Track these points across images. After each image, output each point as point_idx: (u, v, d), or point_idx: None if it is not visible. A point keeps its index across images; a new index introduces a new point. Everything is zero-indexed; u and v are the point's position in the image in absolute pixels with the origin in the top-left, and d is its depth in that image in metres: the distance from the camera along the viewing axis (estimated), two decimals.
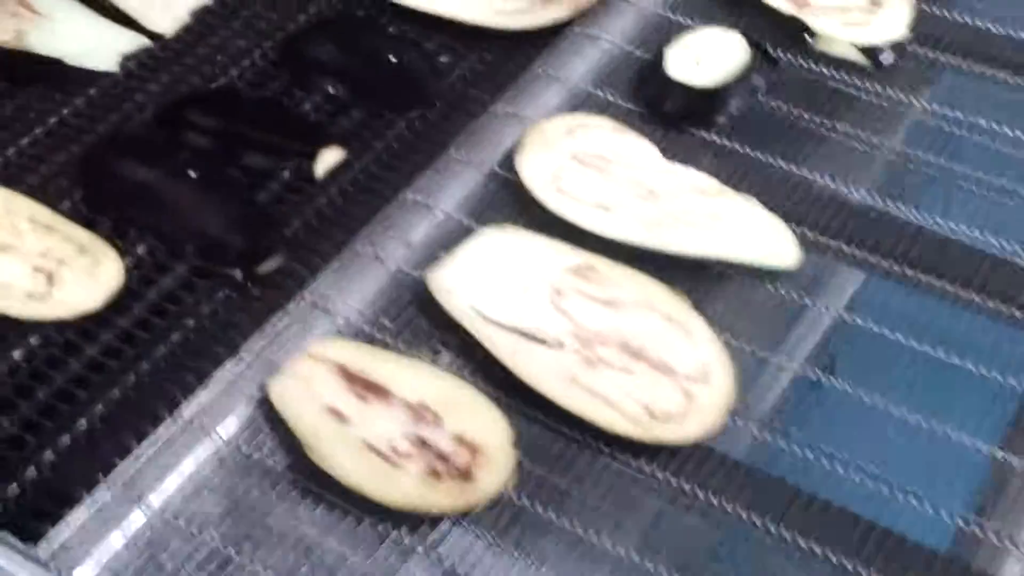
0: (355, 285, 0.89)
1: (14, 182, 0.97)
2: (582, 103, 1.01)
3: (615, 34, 1.07)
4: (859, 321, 0.85)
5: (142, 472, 0.79)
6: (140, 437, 0.81)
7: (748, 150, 0.96)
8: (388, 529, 0.74)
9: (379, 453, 0.76)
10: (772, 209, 0.91)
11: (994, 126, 0.98)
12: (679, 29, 1.05)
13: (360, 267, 0.90)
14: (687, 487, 0.77)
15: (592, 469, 0.78)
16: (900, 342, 0.84)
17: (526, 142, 0.94)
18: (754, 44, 1.01)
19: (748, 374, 0.82)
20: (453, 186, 0.95)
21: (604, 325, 0.83)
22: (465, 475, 0.75)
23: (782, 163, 0.95)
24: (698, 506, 0.76)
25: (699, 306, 0.85)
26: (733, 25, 1.04)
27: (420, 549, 0.74)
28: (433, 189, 0.95)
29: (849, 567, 0.73)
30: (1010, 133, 0.98)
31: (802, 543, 0.74)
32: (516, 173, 0.93)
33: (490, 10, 1.10)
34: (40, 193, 0.97)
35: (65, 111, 1.04)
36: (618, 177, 0.92)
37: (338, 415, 0.78)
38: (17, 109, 1.03)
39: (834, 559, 0.73)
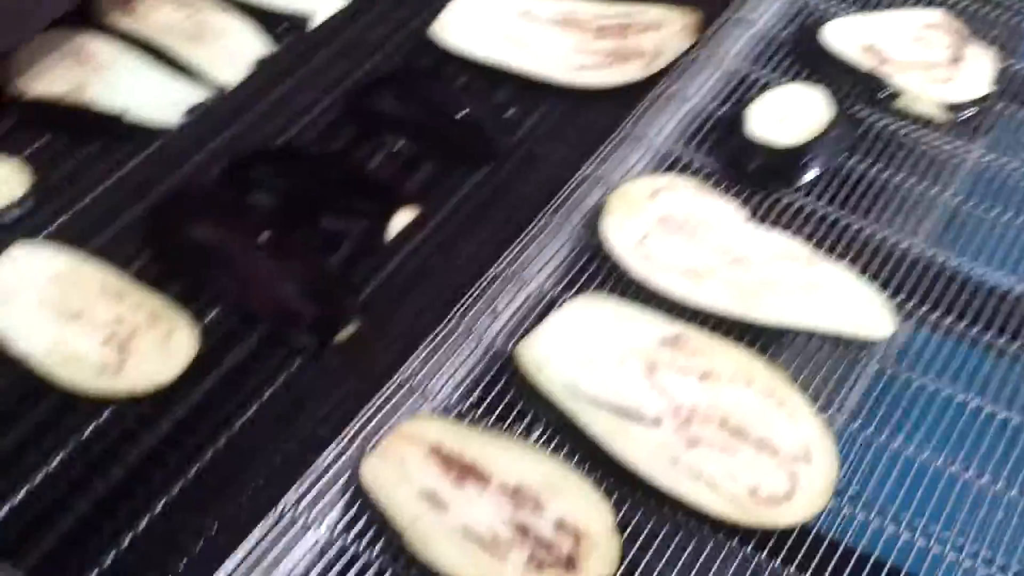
0: (444, 359, 0.86)
1: (79, 243, 0.95)
2: (663, 163, 0.98)
3: (696, 91, 1.04)
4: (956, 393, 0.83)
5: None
6: (216, 516, 0.78)
7: (832, 211, 0.94)
8: None
9: (480, 541, 0.73)
10: (863, 273, 0.89)
11: None
12: (761, 86, 1.02)
13: (448, 340, 0.87)
14: (791, 571, 0.74)
15: (696, 553, 0.76)
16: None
17: (610, 206, 0.91)
18: (838, 102, 0.99)
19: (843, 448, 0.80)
20: (538, 253, 0.92)
21: (701, 401, 0.80)
22: (569, 564, 0.72)
23: (866, 225, 0.93)
24: None
25: (793, 378, 0.83)
26: (816, 81, 1.01)
27: None
28: (517, 256, 0.93)
29: None
30: None
31: None
32: (601, 238, 0.90)
33: (562, 65, 1.08)
34: (107, 254, 0.94)
35: (128, 167, 1.01)
36: (705, 242, 0.89)
37: (435, 500, 0.75)
38: (78, 165, 1.01)
39: None
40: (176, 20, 1.11)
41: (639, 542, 0.75)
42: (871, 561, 0.75)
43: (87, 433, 0.83)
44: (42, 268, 0.91)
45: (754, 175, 0.95)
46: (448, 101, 1.07)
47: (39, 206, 0.97)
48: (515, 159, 1.02)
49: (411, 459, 0.77)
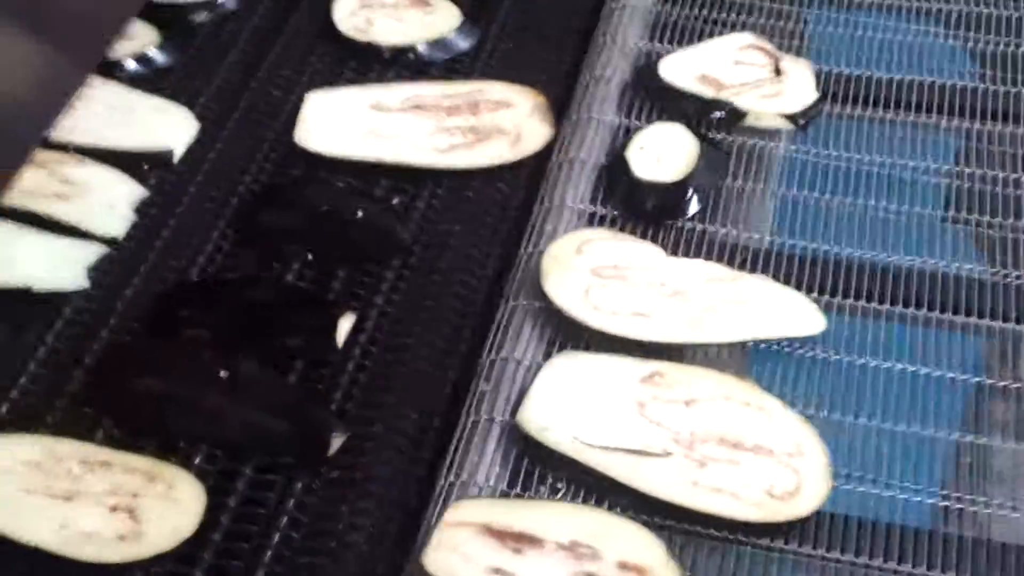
0: (457, 445, 0.91)
1: (35, 426, 0.94)
2: (572, 220, 1.06)
3: (569, 150, 1.13)
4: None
5: None
6: None
7: (728, 228, 1.04)
8: None
9: None
10: (775, 278, 1.00)
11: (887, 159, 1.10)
12: (627, 131, 1.11)
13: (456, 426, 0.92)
14: (816, 552, 0.84)
15: (737, 556, 0.84)
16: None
17: (546, 268, 0.98)
18: (697, 133, 1.09)
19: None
20: (496, 327, 0.98)
21: (695, 425, 0.88)
22: None
23: (757, 233, 1.04)
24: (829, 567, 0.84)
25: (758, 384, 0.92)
26: (671, 117, 1.12)
27: None
28: (474, 336, 1.00)
29: None
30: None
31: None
32: (549, 299, 0.97)
33: (428, 148, 1.14)
34: (70, 430, 0.94)
35: (50, 338, 1.00)
36: (640, 282, 0.98)
37: (503, 573, 0.81)
38: (1, 347, 1.00)
39: None
40: (40, 182, 1.10)
41: (690, 562, 0.83)
42: (875, 525, 0.86)
43: None
44: (12, 459, 0.90)
45: (652, 213, 1.04)
46: (335, 204, 1.12)
47: None
48: (421, 246, 1.08)
49: (466, 543, 0.82)
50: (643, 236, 1.03)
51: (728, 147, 1.10)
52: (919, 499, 0.87)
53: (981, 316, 0.99)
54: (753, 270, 1.00)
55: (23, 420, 0.94)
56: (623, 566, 0.81)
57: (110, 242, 1.07)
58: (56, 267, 1.04)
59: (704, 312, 0.95)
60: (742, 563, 0.84)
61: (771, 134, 1.12)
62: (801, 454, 0.87)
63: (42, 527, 0.86)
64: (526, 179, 1.13)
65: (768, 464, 0.86)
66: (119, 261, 1.06)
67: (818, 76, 1.17)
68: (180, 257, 1.07)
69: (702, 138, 1.09)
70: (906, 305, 1.00)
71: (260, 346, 0.99)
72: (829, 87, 1.17)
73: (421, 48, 1.24)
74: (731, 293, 0.97)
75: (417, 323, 1.01)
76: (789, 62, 1.17)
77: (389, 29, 1.26)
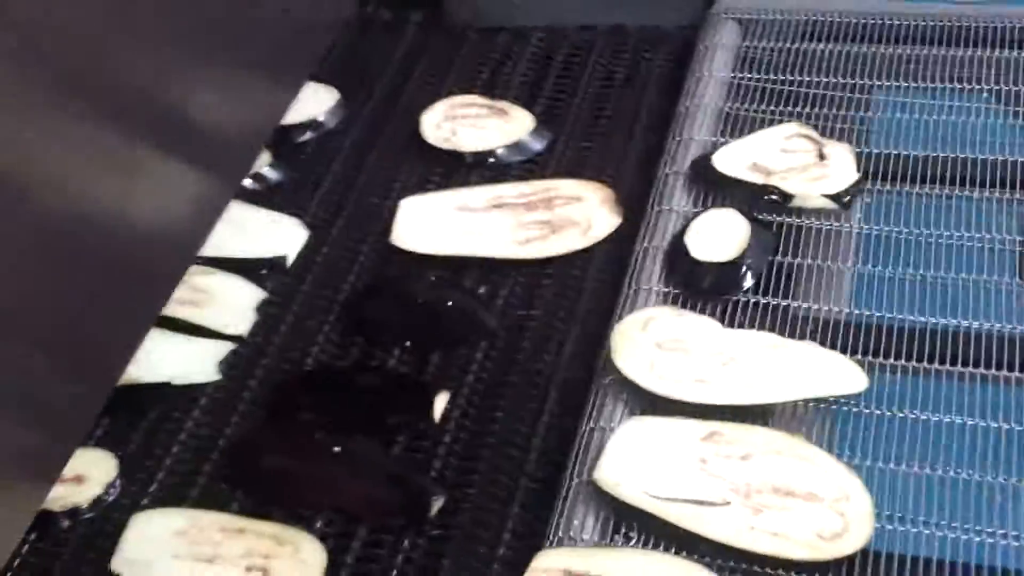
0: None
1: (179, 501, 1.09)
2: (638, 300, 1.19)
3: (647, 239, 1.25)
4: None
5: None
6: None
7: (778, 300, 1.16)
8: None
9: None
10: (822, 343, 1.11)
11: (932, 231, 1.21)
12: (686, 218, 1.25)
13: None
14: None
15: None
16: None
17: (615, 344, 1.11)
18: (748, 216, 1.22)
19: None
20: (575, 399, 1.12)
21: (751, 477, 1.00)
22: None
23: (805, 303, 1.16)
24: None
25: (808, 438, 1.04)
26: (724, 204, 1.25)
27: None
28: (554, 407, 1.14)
29: None
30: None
31: None
32: (619, 370, 1.10)
33: (509, 241, 1.28)
34: (208, 503, 1.09)
35: (189, 424, 1.16)
36: (698, 352, 1.10)
37: None
38: (147, 435, 1.15)
39: None
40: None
41: None
42: (912, 560, 0.96)
43: None
44: (164, 529, 1.05)
45: (709, 290, 1.17)
46: (428, 296, 1.26)
47: (130, 479, 1.11)
48: (505, 329, 1.22)
49: None
50: (702, 311, 1.16)
51: (777, 228, 1.23)
52: (955, 535, 0.98)
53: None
54: (803, 337, 1.12)
55: (171, 496, 1.10)
56: None
57: (236, 339, 1.23)
58: (191, 363, 1.19)
59: (754, 377, 1.07)
60: None
61: (836, 215, 1.24)
62: (847, 499, 0.98)
63: None
64: (599, 264, 1.27)
65: (817, 509, 0.98)
66: (244, 355, 1.22)
67: (879, 157, 1.28)
68: (296, 349, 1.22)
69: (753, 220, 1.22)
70: (952, 363, 1.10)
71: (367, 424, 1.14)
72: (890, 167, 1.28)
73: (500, 152, 1.39)
74: (780, 358, 1.09)
75: (503, 398, 1.15)
76: (832, 147, 1.29)
77: (471, 137, 1.41)
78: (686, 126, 1.36)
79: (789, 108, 1.36)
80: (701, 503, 0.99)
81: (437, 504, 1.06)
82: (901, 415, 1.06)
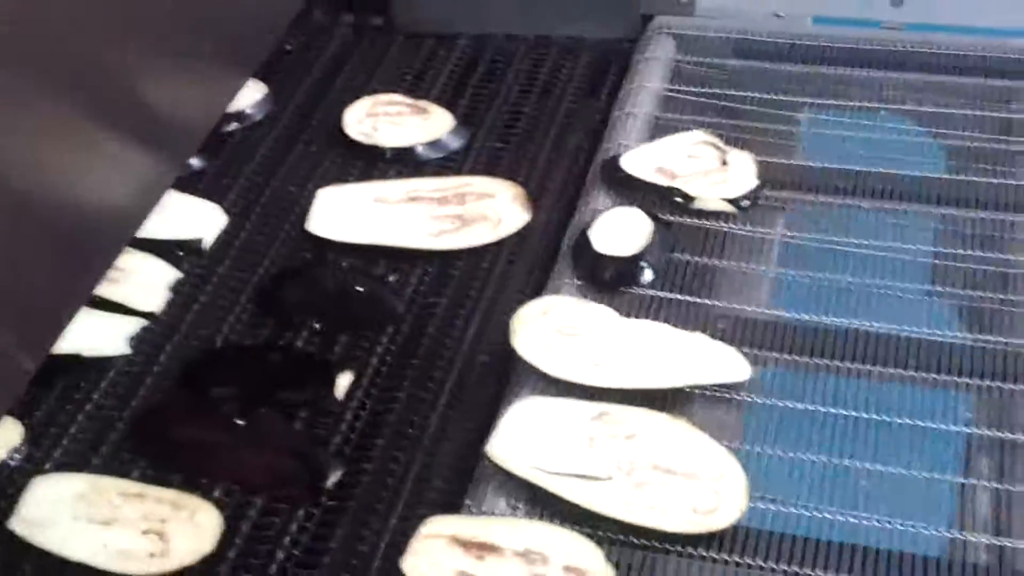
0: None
1: (82, 465, 1.11)
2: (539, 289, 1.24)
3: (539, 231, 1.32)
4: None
5: None
6: None
7: (674, 295, 1.21)
8: None
9: None
10: (712, 335, 1.16)
11: (833, 237, 1.27)
12: (592, 215, 1.29)
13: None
14: (731, 558, 0.99)
15: (663, 562, 0.99)
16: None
17: (514, 328, 1.15)
18: (651, 215, 1.27)
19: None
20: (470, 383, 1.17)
21: (635, 455, 1.04)
22: None
23: (698, 299, 1.20)
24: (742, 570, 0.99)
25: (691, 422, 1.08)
26: (630, 203, 1.30)
27: None
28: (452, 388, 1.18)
29: None
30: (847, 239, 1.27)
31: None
32: (517, 354, 1.14)
33: (422, 233, 1.32)
34: (110, 469, 1.11)
35: (96, 395, 1.18)
36: (594, 339, 1.14)
37: (465, 575, 0.97)
38: (55, 403, 1.17)
39: None
40: None
41: (625, 567, 0.99)
42: (786, 537, 1.00)
43: None
44: (63, 492, 1.08)
45: (610, 282, 1.22)
46: (340, 281, 1.30)
47: (36, 446, 1.13)
48: (412, 315, 1.25)
49: (438, 551, 0.98)
50: (602, 302, 1.20)
51: (682, 228, 1.27)
52: (828, 516, 1.02)
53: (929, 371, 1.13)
54: (695, 330, 1.17)
55: (73, 461, 1.12)
56: (567, 569, 0.97)
57: (148, 316, 1.26)
58: (102, 337, 1.22)
59: (647, 362, 1.12)
60: (669, 568, 0.99)
61: (721, 216, 1.29)
62: (723, 478, 1.03)
63: (87, 547, 1.03)
64: (507, 258, 1.31)
65: (695, 486, 1.02)
66: (156, 332, 1.24)
67: (804, 170, 1.34)
68: (208, 328, 1.25)
69: (655, 219, 1.26)
70: (841, 360, 1.15)
71: (272, 400, 1.17)
72: (815, 180, 1.34)
73: (419, 149, 1.44)
74: (671, 347, 1.13)
75: (406, 379, 1.18)
76: (734, 155, 1.34)
77: (391, 133, 1.45)
78: (618, 132, 1.41)
79: (718, 120, 1.41)
80: (586, 477, 1.03)
81: (334, 477, 1.09)
82: (781, 404, 1.11)
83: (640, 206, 1.29)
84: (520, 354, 1.14)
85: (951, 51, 1.47)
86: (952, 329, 1.17)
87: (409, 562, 0.98)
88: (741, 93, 1.45)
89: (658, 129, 1.41)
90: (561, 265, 1.26)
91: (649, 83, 1.47)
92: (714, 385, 1.11)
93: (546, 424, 1.07)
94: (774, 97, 1.44)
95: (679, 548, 1.00)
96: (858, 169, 1.34)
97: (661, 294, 1.21)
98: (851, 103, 1.43)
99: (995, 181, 1.31)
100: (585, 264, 1.24)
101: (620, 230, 1.26)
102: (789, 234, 1.28)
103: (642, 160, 1.34)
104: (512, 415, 1.08)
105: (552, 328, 1.15)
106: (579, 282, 1.23)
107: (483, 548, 0.98)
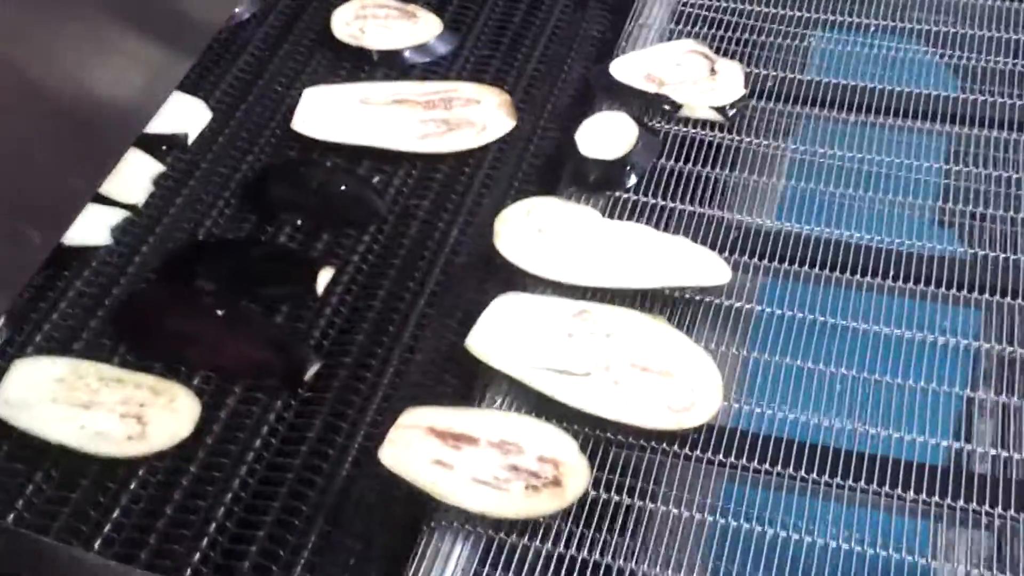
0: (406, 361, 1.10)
1: (62, 350, 1.12)
2: (523, 191, 1.23)
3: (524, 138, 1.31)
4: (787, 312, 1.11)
5: None
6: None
7: (657, 200, 1.20)
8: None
9: (487, 483, 0.96)
10: (694, 239, 1.16)
11: (819, 149, 1.27)
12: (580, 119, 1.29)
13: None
14: (704, 455, 1.00)
15: (639, 459, 1.00)
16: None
17: (497, 229, 1.15)
18: (638, 121, 1.26)
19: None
20: (453, 277, 1.17)
21: (613, 352, 1.05)
22: (556, 483, 0.96)
23: (681, 205, 1.21)
24: (718, 468, 1.00)
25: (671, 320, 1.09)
26: (618, 108, 1.29)
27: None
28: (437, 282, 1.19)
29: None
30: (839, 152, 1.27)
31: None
32: (500, 253, 1.14)
33: (407, 136, 1.31)
34: (92, 354, 1.12)
35: (79, 283, 1.18)
36: (576, 237, 1.14)
37: (443, 464, 0.97)
38: (37, 291, 1.17)
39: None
40: None
41: (598, 460, 1.00)
42: (760, 437, 1.02)
43: (133, 486, 1.02)
44: (45, 375, 1.08)
45: (594, 184, 1.22)
46: (323, 180, 1.29)
47: (15, 331, 1.14)
48: (395, 216, 1.25)
49: (415, 441, 0.99)
50: (587, 204, 1.20)
51: (669, 135, 1.27)
52: (803, 419, 1.03)
53: (906, 280, 1.13)
54: (676, 233, 1.17)
55: (54, 346, 1.12)
56: (541, 459, 0.98)
57: (131, 208, 1.25)
58: (84, 227, 1.21)
59: (626, 262, 1.12)
60: (641, 462, 1.00)
61: (707, 125, 1.29)
62: (700, 377, 1.04)
63: (65, 428, 1.04)
64: (491, 163, 1.31)
65: (671, 385, 1.03)
66: (139, 223, 1.24)
67: (818, 85, 1.33)
68: (190, 221, 1.25)
69: (641, 125, 1.26)
70: (832, 269, 1.15)
71: (253, 293, 1.17)
72: (828, 95, 1.32)
73: (406, 53, 1.43)
74: (652, 249, 1.14)
75: (386, 277, 1.19)
76: (723, 64, 1.33)
77: (379, 36, 1.44)
78: (630, 43, 1.40)
79: (730, 34, 1.39)
80: (563, 372, 1.03)
81: (312, 369, 1.10)
82: (760, 308, 1.11)
83: (628, 112, 1.28)
84: (503, 254, 1.14)
85: None
86: (959, 246, 1.18)
87: (386, 451, 0.99)
88: (754, 8, 1.43)
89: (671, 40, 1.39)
90: (547, 166, 1.26)
91: None
92: (693, 286, 1.12)
93: (526, 319, 1.08)
94: (787, 12, 1.43)
95: (652, 444, 1.01)
96: (866, 85, 1.33)
97: (644, 198, 1.21)
98: (861, 20, 1.41)
99: (1004, 101, 1.31)
100: (570, 167, 1.24)
101: (606, 134, 1.25)
102: (794, 147, 1.28)
103: (631, 67, 1.34)
104: (493, 310, 1.09)
105: (534, 228, 1.16)
106: (564, 183, 1.23)
107: (459, 438, 0.99)
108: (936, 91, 1.32)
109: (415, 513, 0.98)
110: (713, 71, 1.33)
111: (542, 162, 1.28)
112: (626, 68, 1.34)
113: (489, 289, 1.14)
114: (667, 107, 1.29)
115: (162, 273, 1.19)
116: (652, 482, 0.99)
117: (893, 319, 1.11)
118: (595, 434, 1.01)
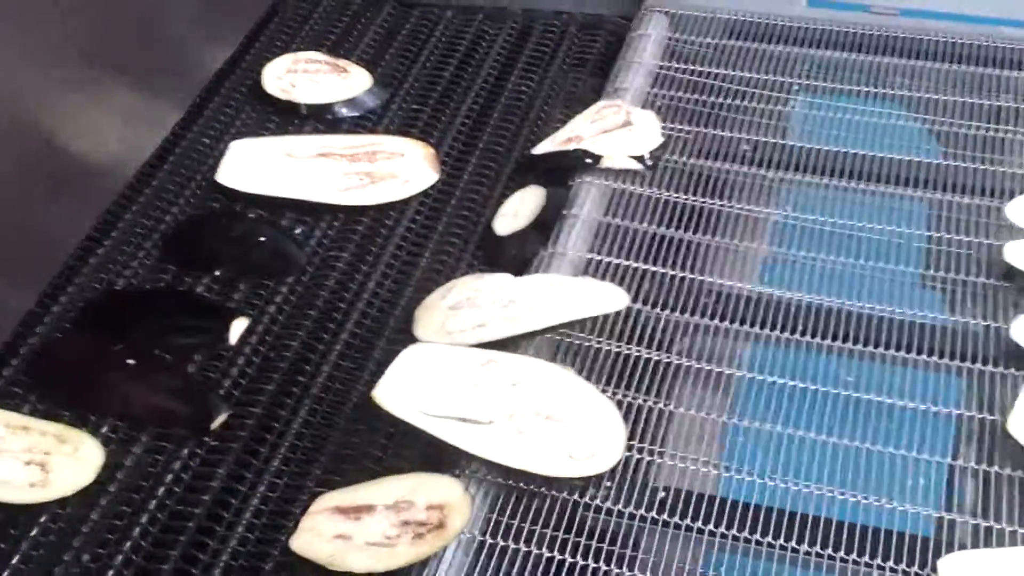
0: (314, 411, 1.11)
1: None
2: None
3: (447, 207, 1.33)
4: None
5: None
6: None
7: (632, 262, 1.21)
8: None
9: (378, 544, 0.98)
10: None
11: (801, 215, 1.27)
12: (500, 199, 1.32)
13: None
14: (683, 522, 1.00)
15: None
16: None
17: (417, 317, 1.18)
18: (551, 184, 1.29)
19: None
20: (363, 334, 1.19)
21: (517, 401, 1.05)
22: (440, 526, 0.98)
23: (662, 269, 1.21)
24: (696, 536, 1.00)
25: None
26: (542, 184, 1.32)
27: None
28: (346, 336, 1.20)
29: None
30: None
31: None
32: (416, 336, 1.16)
33: (330, 188, 1.32)
34: (1, 404, 1.12)
35: None
36: (485, 303, 1.15)
37: (343, 537, 0.99)
38: None
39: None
40: None
41: (498, 506, 1.01)
42: (740, 504, 1.01)
43: (33, 533, 1.02)
44: None
45: (512, 262, 1.23)
46: (246, 231, 1.30)
47: None
48: (314, 267, 1.26)
49: (321, 524, 1.01)
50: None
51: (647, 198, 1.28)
52: (782, 485, 1.03)
53: (887, 346, 1.13)
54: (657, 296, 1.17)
55: None
56: (429, 507, 0.99)
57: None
58: None
59: (530, 310, 1.13)
60: (619, 528, 1.00)
61: (627, 174, 1.30)
62: (603, 427, 1.04)
63: None
64: (412, 216, 1.32)
65: (573, 432, 1.03)
66: (58, 274, 1.25)
67: (799, 151, 1.34)
68: (110, 272, 1.26)
69: (549, 185, 1.29)
70: (814, 336, 1.15)
71: (166, 343, 1.18)
72: (809, 160, 1.33)
73: (335, 107, 1.44)
74: (556, 292, 1.15)
75: (301, 328, 1.19)
76: (638, 114, 1.35)
77: (309, 90, 1.46)
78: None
79: (710, 98, 1.41)
80: (466, 421, 1.04)
81: (219, 418, 1.10)
82: (740, 374, 1.11)
83: (547, 181, 1.30)
84: (419, 338, 1.15)
85: (943, 38, 1.47)
86: (942, 312, 1.17)
87: (296, 540, 1.01)
88: (735, 72, 1.44)
89: (650, 105, 1.40)
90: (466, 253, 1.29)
91: (641, 59, 1.46)
92: (595, 316, 1.13)
93: (434, 370, 1.08)
94: (766, 78, 1.44)
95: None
96: (847, 151, 1.34)
97: (625, 262, 1.21)
98: (843, 86, 1.43)
99: (984, 168, 1.31)
100: (488, 250, 1.27)
101: (518, 208, 1.28)
102: (775, 212, 1.28)
103: (551, 141, 1.36)
104: (400, 361, 1.09)
105: (447, 306, 1.17)
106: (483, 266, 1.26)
107: (359, 510, 1.01)
108: (917, 157, 1.33)
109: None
110: (629, 122, 1.34)
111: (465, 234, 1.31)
112: (547, 144, 1.36)
113: (403, 340, 1.15)
114: (588, 160, 1.30)
115: (78, 323, 1.20)
116: (629, 549, 0.99)
117: (874, 385, 1.10)
118: (498, 481, 1.02)
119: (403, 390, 1.07)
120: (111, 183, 1.34)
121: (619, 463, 1.03)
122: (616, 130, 1.33)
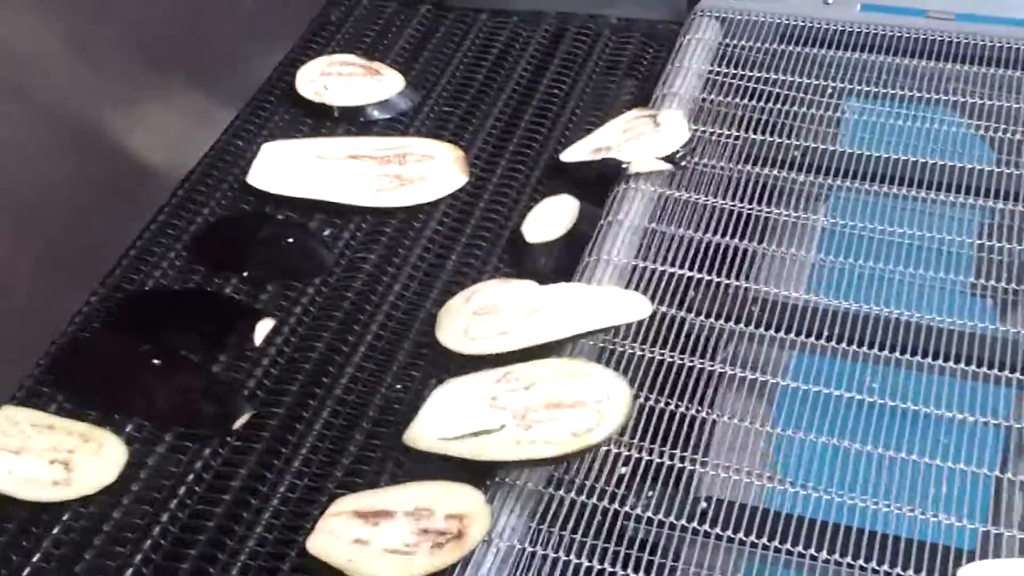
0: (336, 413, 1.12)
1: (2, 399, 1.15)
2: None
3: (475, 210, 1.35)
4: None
5: None
6: None
7: (680, 270, 1.20)
8: None
9: (396, 551, 0.99)
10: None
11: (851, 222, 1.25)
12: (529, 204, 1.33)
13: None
14: (724, 533, 0.99)
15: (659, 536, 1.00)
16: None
17: (440, 320, 1.19)
18: (580, 197, 1.30)
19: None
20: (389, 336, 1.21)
21: (530, 401, 1.06)
22: (459, 535, 0.98)
23: (708, 276, 1.20)
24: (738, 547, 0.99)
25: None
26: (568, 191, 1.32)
27: None
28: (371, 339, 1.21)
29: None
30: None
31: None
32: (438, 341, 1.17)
33: (361, 190, 1.34)
34: (29, 403, 1.14)
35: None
36: (508, 310, 1.16)
37: (361, 542, 1.00)
38: None
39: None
40: None
41: (538, 514, 1.01)
42: (782, 516, 1.00)
43: (55, 531, 1.04)
44: None
45: (542, 270, 1.24)
46: (275, 233, 1.32)
47: None
48: (341, 269, 1.28)
49: (339, 526, 1.02)
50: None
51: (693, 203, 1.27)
52: (826, 497, 1.01)
53: (935, 356, 1.11)
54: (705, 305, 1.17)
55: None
56: (448, 516, 1.00)
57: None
58: None
59: (554, 319, 1.14)
60: (659, 538, 1.00)
61: (655, 175, 1.30)
62: (608, 398, 1.05)
63: None
64: (440, 218, 1.33)
65: (580, 413, 1.04)
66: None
67: (850, 157, 1.32)
68: (141, 272, 1.28)
69: (582, 199, 1.29)
70: (861, 345, 1.13)
71: (192, 342, 1.20)
72: (860, 167, 1.32)
73: (367, 109, 1.46)
74: (580, 301, 1.15)
75: (326, 330, 1.21)
76: (665, 115, 1.34)
77: (341, 93, 1.47)
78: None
79: (761, 104, 1.39)
80: (479, 433, 1.05)
81: (242, 418, 1.12)
82: (786, 383, 1.10)
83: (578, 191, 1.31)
84: (442, 343, 1.16)
85: (999, 43, 1.44)
86: (992, 322, 1.16)
87: (313, 542, 1.02)
88: (786, 78, 1.43)
89: (700, 110, 1.40)
90: (492, 257, 1.29)
91: (692, 64, 1.44)
92: (614, 326, 1.13)
93: (455, 401, 1.10)
94: (818, 83, 1.41)
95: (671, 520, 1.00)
96: (898, 157, 1.32)
97: (672, 270, 1.20)
98: (896, 92, 1.41)
99: None
100: (516, 256, 1.28)
101: (550, 217, 1.29)
102: (825, 219, 1.27)
103: (580, 148, 1.36)
104: (429, 405, 1.10)
105: (471, 311, 1.18)
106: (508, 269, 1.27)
107: (379, 515, 1.02)
108: (971, 164, 1.31)
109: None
110: (656, 123, 1.34)
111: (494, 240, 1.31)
112: (575, 151, 1.36)
113: (427, 343, 1.17)
114: (623, 165, 1.30)
115: (107, 323, 1.22)
116: (670, 559, 0.99)
117: (922, 396, 1.09)
118: (506, 480, 1.03)
119: (427, 427, 1.08)
120: (165, 183, 1.37)
121: (621, 431, 1.04)
122: (645, 135, 1.33)
